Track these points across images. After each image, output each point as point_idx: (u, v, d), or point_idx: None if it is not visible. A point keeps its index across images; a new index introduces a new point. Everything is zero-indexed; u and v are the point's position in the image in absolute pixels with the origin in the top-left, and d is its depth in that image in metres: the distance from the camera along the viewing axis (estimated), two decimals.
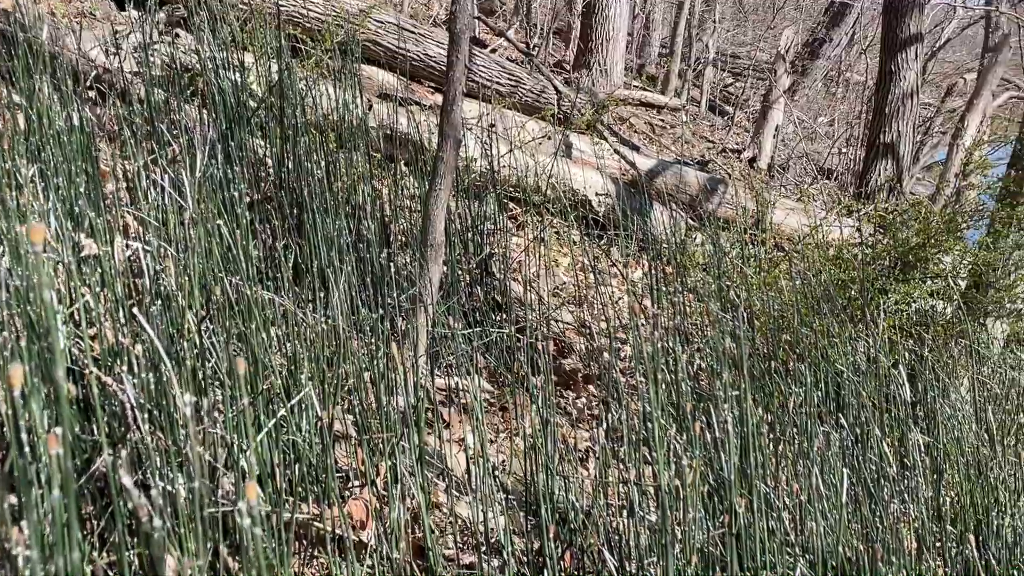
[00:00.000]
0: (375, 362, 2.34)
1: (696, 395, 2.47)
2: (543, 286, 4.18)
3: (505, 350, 3.36)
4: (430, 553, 2.11)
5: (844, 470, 1.73)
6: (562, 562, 2.14)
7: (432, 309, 2.90)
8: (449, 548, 2.40)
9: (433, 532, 2.22)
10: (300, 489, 2.10)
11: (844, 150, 10.92)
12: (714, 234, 4.03)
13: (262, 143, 3.51)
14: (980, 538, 2.01)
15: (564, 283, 4.40)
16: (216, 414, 1.92)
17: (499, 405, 3.24)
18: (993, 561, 1.85)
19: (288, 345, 2.13)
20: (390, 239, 3.26)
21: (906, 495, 2.11)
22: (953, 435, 2.39)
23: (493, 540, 2.31)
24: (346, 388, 2.38)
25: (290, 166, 3.27)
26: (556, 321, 3.95)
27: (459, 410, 2.98)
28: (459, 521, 2.48)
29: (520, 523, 2.47)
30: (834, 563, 1.86)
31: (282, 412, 1.85)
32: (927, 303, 3.59)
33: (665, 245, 4.30)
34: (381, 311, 2.79)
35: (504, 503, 2.45)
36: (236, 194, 2.40)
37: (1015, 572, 1.92)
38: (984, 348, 3.44)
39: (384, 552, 2.08)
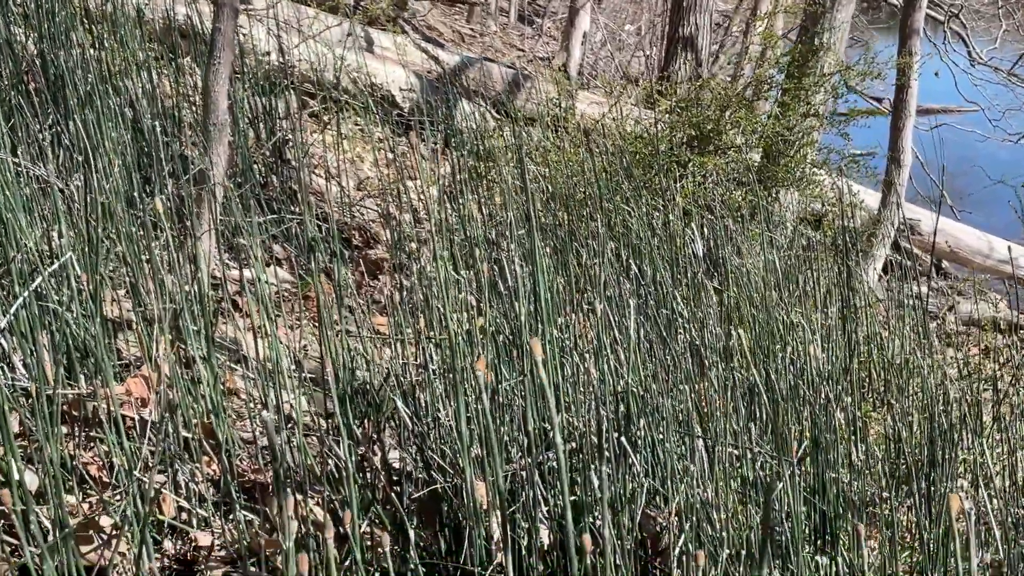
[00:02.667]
0: (154, 239, 2.19)
1: (495, 259, 2.44)
2: (347, 180, 4.06)
3: (307, 241, 3.24)
4: (222, 433, 2.02)
5: (632, 301, 1.73)
6: (360, 428, 2.09)
7: (220, 193, 2.74)
8: (246, 432, 2.31)
9: (226, 414, 2.11)
10: (77, 370, 1.96)
11: (648, 53, 11.10)
12: (517, 122, 4.01)
13: (23, 30, 3.23)
14: (766, 371, 2.07)
15: (368, 177, 4.29)
16: None
17: (302, 294, 3.13)
18: (777, 387, 1.90)
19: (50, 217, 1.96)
20: (168, 127, 3.06)
21: (698, 340, 2.15)
22: (742, 282, 2.45)
23: (292, 423, 2.23)
24: (116, 265, 2.23)
25: (60, 56, 3.01)
26: (361, 213, 3.85)
27: (256, 298, 2.86)
28: (257, 405, 2.38)
29: (320, 402, 2.40)
30: (626, 399, 1.88)
31: (39, 280, 1.69)
32: (723, 177, 3.68)
33: (468, 136, 4.24)
34: (163, 193, 2.62)
35: (301, 383, 2.37)
36: None
37: (794, 402, 1.99)
38: (776, 216, 3.57)
39: (170, 431, 1.96)
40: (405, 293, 2.09)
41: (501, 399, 1.93)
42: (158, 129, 2.69)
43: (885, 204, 4.76)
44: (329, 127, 4.40)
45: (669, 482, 1.80)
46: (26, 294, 1.66)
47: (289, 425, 2.22)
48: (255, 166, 3.49)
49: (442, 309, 1.81)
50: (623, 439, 1.73)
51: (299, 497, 1.97)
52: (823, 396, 1.80)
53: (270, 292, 2.98)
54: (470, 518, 1.66)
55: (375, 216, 3.92)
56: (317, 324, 2.90)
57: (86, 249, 1.79)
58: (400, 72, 5.05)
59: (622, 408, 1.88)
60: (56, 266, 1.74)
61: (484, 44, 10.17)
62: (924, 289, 3.83)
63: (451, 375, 1.72)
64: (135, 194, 2.48)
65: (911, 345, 2.73)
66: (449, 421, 1.78)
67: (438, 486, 1.73)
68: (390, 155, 4.42)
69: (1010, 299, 5.47)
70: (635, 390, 1.90)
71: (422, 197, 3.95)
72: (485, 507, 1.69)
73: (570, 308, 2.12)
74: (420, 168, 3.66)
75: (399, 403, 1.77)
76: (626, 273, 2.56)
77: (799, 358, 1.99)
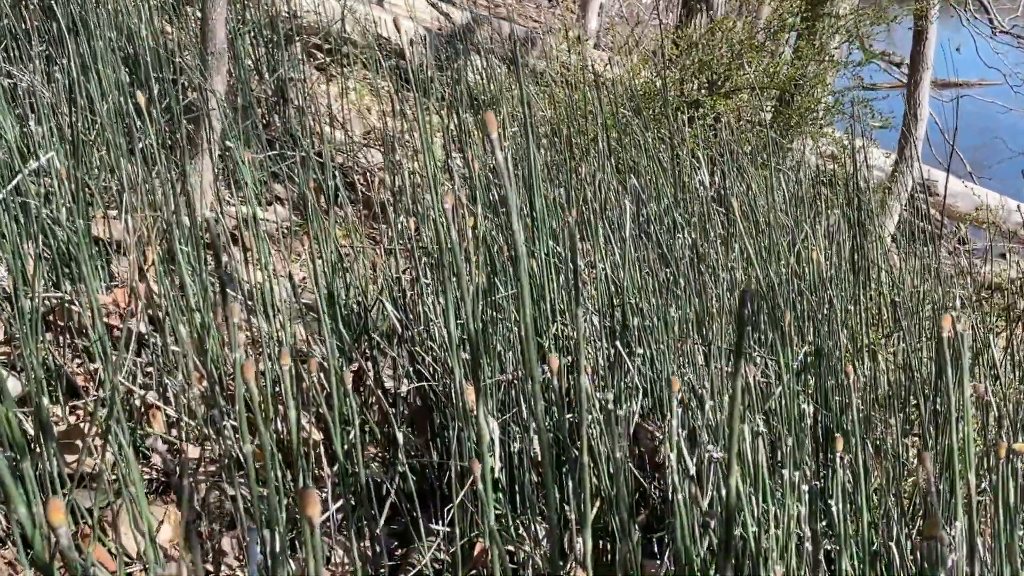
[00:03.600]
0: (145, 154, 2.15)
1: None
2: (353, 127, 4.02)
3: (308, 181, 3.20)
4: (210, 347, 1.98)
5: (627, 202, 1.68)
6: (354, 352, 2.04)
7: (219, 124, 2.70)
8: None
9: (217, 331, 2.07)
10: (62, 279, 1.92)
11: (665, 21, 10.98)
12: (524, 72, 3.95)
13: None
14: (761, 285, 2.02)
15: (375, 127, 4.25)
16: None
17: (304, 232, 3.09)
18: (777, 291, 1.85)
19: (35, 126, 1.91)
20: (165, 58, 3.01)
21: (701, 249, 2.09)
22: (746, 208, 2.39)
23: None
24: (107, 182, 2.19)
25: None
26: (367, 159, 3.81)
27: (255, 235, 2.82)
28: (253, 332, 2.35)
29: (314, 330, 2.36)
30: (622, 307, 1.83)
31: (18, 178, 1.65)
32: (735, 123, 3.61)
33: (477, 90, 4.19)
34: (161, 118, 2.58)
35: (296, 305, 2.33)
36: None
37: (798, 314, 1.94)
38: (789, 162, 3.50)
39: (161, 345, 1.93)
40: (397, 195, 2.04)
41: (494, 313, 1.88)
42: (149, 41, 2.64)
43: (901, 158, 4.67)
44: (335, 77, 4.35)
45: (665, 391, 1.75)
46: (5, 192, 1.63)
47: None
48: (258, 109, 3.45)
49: (433, 214, 1.76)
50: (618, 344, 1.68)
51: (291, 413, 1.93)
52: (827, 302, 1.74)
53: (268, 228, 2.94)
54: (459, 419, 1.61)
55: (380, 162, 3.88)
56: (317, 259, 2.86)
57: (68, 149, 1.75)
58: (409, 25, 5.00)
59: (618, 317, 1.83)
60: (36, 165, 1.70)
61: (498, 15, 10.09)
62: (936, 231, 3.76)
63: (441, 275, 1.68)
64: (127, 107, 2.44)
65: (920, 277, 2.67)
66: (438, 323, 1.73)
67: (426, 384, 1.69)
68: (397, 107, 4.37)
69: None
70: (632, 302, 1.85)
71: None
72: (474, 410, 1.64)
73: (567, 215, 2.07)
74: (422, 118, 3.60)
75: (388, 305, 1.73)
76: (626, 189, 2.51)
77: (803, 267, 1.93)
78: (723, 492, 0.93)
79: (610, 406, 1.06)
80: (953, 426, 0.93)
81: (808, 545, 1.07)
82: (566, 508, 1.70)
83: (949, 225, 6.33)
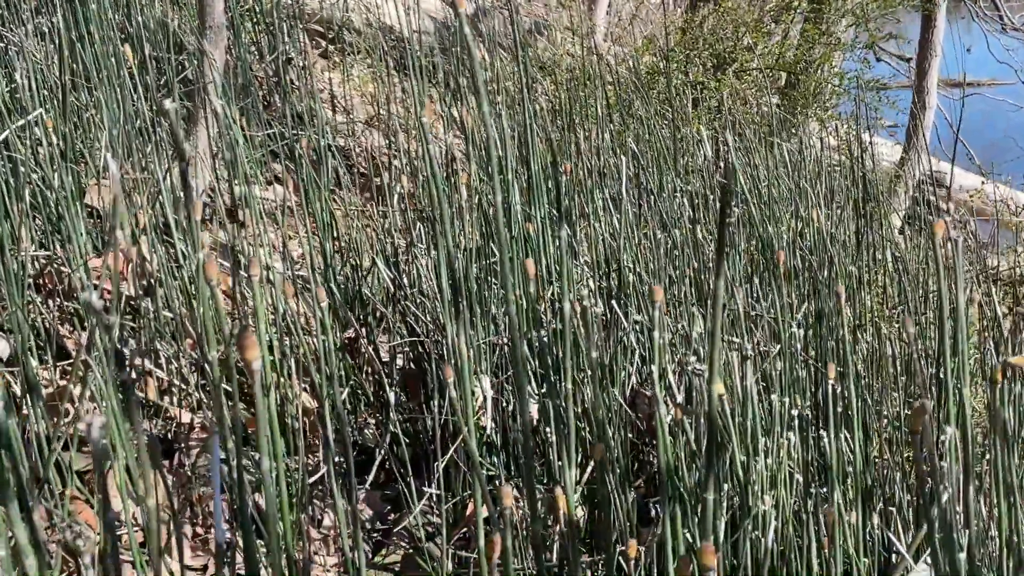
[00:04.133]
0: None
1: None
2: (356, 111, 4.00)
3: (309, 163, 3.18)
4: (199, 308, 1.96)
5: (624, 169, 1.65)
6: (348, 315, 2.02)
7: (218, 100, 2.68)
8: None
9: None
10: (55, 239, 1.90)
11: (672, 16, 10.96)
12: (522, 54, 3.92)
13: None
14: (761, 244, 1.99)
15: (377, 115, 4.23)
16: None
17: (307, 211, 3.07)
18: (761, 257, 1.82)
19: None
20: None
21: (698, 221, 2.07)
22: (748, 176, 2.37)
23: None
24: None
25: None
26: (367, 137, 3.80)
27: (253, 213, 2.79)
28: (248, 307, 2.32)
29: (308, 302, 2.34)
30: (619, 271, 1.80)
31: (5, 133, 1.63)
32: (741, 105, 3.58)
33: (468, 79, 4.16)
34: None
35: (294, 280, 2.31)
36: None
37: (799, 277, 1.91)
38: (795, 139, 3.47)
39: (152, 310, 1.90)
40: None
41: (490, 278, 1.86)
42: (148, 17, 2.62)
43: (909, 147, 4.63)
44: (338, 65, 4.34)
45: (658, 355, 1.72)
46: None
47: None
48: (259, 92, 3.43)
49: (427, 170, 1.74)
50: (613, 302, 1.65)
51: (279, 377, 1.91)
52: (827, 261, 1.71)
53: (266, 207, 2.92)
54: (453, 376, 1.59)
55: (382, 146, 3.86)
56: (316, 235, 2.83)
57: (58, 106, 1.73)
58: (413, 15, 4.99)
59: (615, 278, 1.81)
60: (23, 121, 1.68)
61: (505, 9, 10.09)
62: (944, 206, 3.73)
63: (434, 230, 1.66)
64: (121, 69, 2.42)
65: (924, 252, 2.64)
66: (431, 281, 1.71)
67: (419, 343, 1.66)
68: (399, 94, 4.35)
69: None
70: (628, 264, 1.82)
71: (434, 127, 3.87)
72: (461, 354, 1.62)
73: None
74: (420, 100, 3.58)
75: (380, 264, 1.70)
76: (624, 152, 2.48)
77: (805, 228, 1.90)
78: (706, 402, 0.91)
79: (596, 310, 1.03)
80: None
81: (799, 477, 1.04)
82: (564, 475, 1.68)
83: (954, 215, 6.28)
